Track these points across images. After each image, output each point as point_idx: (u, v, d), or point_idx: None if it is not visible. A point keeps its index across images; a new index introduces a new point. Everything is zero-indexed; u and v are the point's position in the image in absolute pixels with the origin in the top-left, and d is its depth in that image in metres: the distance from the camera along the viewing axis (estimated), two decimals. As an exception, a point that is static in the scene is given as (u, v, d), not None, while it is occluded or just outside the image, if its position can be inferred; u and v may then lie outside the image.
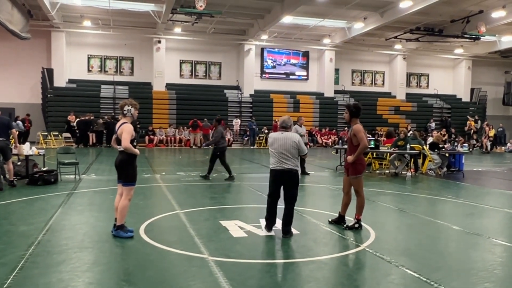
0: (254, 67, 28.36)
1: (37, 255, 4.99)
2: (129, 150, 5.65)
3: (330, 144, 26.00)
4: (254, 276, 4.54)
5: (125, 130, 5.67)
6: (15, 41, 21.98)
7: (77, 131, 22.72)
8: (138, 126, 24.07)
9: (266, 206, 6.13)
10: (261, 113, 27.35)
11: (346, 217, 6.62)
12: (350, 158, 6.39)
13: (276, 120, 26.08)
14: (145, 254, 5.12)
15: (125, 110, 5.80)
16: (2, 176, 9.37)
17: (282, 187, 6.03)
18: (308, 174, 12.62)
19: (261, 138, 25.77)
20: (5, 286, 4.04)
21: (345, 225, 6.46)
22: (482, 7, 21.67)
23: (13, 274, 4.35)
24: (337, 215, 6.73)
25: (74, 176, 11.05)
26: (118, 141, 5.73)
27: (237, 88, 28.42)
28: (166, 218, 7.00)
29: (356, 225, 6.37)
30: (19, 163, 10.75)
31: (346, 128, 27.40)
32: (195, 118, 24.19)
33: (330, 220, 6.76)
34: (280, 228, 6.03)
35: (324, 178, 12.39)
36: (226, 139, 24.53)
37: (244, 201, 9.14)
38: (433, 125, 29.07)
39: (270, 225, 6.12)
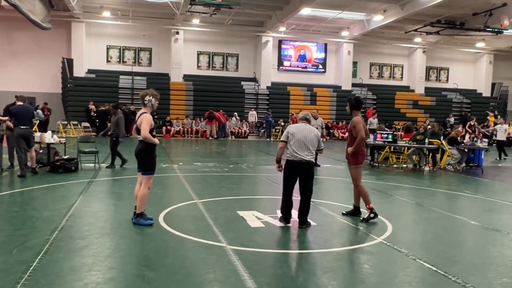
0: (272, 59, 28.29)
1: (60, 239, 5.13)
2: (148, 139, 5.74)
3: (347, 138, 25.85)
4: (272, 266, 4.61)
5: (145, 120, 5.76)
6: (36, 31, 22.30)
7: (96, 120, 23.06)
8: (155, 117, 24.32)
9: (283, 200, 6.06)
10: (277, 105, 27.33)
11: (360, 209, 6.68)
12: (350, 149, 6.48)
13: (293, 113, 26.07)
14: (165, 241, 5.22)
15: (146, 100, 5.89)
16: (24, 163, 9.60)
17: (297, 180, 6.01)
18: (318, 166, 12.73)
19: (277, 130, 25.76)
20: (31, 268, 4.17)
21: (361, 218, 6.49)
22: (506, -1, 21.23)
23: (39, 257, 4.49)
24: (352, 207, 6.79)
25: (93, 164, 11.25)
26: (138, 131, 5.83)
27: (254, 80, 28.41)
28: (184, 207, 7.10)
29: (372, 215, 6.39)
30: (41, 151, 10.99)
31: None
32: (211, 110, 24.30)
33: (344, 212, 6.81)
34: (296, 219, 6.07)
35: (340, 171, 12.37)
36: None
37: (261, 192, 9.20)
38: (452, 120, 28.67)
39: (287, 219, 6.05)
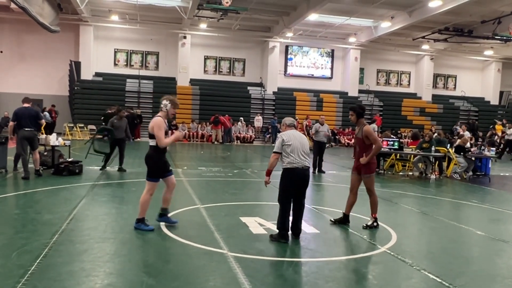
0: (278, 64, 28.27)
1: (60, 243, 5.09)
2: (166, 144, 5.68)
3: (354, 145, 25.73)
4: (273, 274, 4.54)
5: (156, 125, 5.64)
6: (44, 34, 22.46)
7: (103, 123, 23.05)
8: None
9: (283, 215, 5.54)
10: (283, 111, 27.16)
11: (362, 216, 6.61)
12: (363, 159, 6.34)
13: (297, 118, 26.01)
14: (165, 247, 5.17)
15: (162, 104, 5.82)
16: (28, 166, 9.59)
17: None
18: (323, 172, 12.66)
19: (283, 136, 25.63)
20: (29, 272, 4.13)
21: (364, 225, 6.43)
22: (515, 7, 21.06)
23: (37, 261, 4.44)
24: (358, 214, 6.71)
25: (101, 166, 11.26)
26: (150, 136, 5.78)
27: (260, 85, 28.39)
28: (186, 212, 7.04)
29: (375, 224, 6.41)
30: (45, 153, 10.99)
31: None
32: (216, 114, 24.29)
33: (333, 219, 6.62)
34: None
35: (345, 178, 12.24)
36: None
37: (265, 198, 9.12)
38: (459, 127, 28.42)
39: (288, 235, 5.59)
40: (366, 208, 7.79)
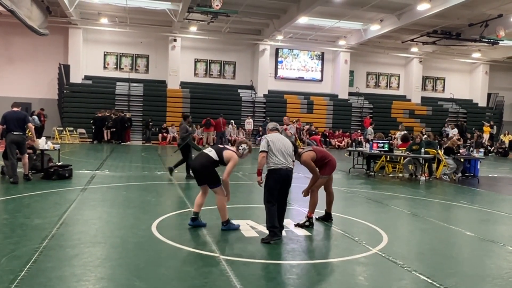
0: (269, 67, 28.33)
1: (50, 248, 5.04)
2: (226, 184, 5.97)
3: (344, 146, 25.85)
4: (265, 277, 4.53)
5: (233, 161, 5.93)
6: (33, 37, 22.26)
7: (93, 127, 22.96)
8: (150, 123, 24.24)
9: (271, 214, 5.66)
10: (274, 113, 27.22)
11: (354, 218, 6.67)
12: (305, 191, 6.67)
13: (291, 121, 26.05)
14: (157, 251, 5.14)
15: (240, 148, 6.13)
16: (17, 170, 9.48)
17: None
18: None
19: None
20: (19, 278, 4.08)
21: (295, 224, 6.54)
22: (501, 11, 21.34)
23: (27, 266, 4.39)
24: (349, 216, 6.77)
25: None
26: (218, 153, 6.01)
27: (251, 88, 28.42)
28: (178, 216, 7.02)
29: (307, 223, 6.50)
30: (34, 157, 10.87)
31: (359, 130, 27.25)
32: (208, 117, 24.23)
33: (317, 217, 6.85)
34: (290, 229, 5.96)
35: (336, 180, 12.24)
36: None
37: (256, 200, 9.10)
38: (448, 129, 28.71)
39: (278, 233, 5.67)
40: (358, 210, 7.88)
